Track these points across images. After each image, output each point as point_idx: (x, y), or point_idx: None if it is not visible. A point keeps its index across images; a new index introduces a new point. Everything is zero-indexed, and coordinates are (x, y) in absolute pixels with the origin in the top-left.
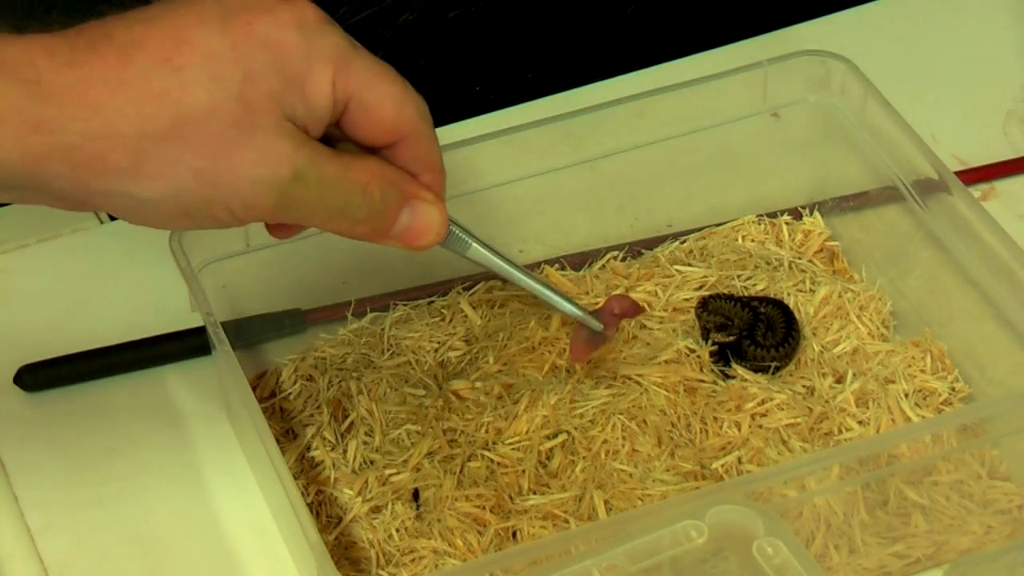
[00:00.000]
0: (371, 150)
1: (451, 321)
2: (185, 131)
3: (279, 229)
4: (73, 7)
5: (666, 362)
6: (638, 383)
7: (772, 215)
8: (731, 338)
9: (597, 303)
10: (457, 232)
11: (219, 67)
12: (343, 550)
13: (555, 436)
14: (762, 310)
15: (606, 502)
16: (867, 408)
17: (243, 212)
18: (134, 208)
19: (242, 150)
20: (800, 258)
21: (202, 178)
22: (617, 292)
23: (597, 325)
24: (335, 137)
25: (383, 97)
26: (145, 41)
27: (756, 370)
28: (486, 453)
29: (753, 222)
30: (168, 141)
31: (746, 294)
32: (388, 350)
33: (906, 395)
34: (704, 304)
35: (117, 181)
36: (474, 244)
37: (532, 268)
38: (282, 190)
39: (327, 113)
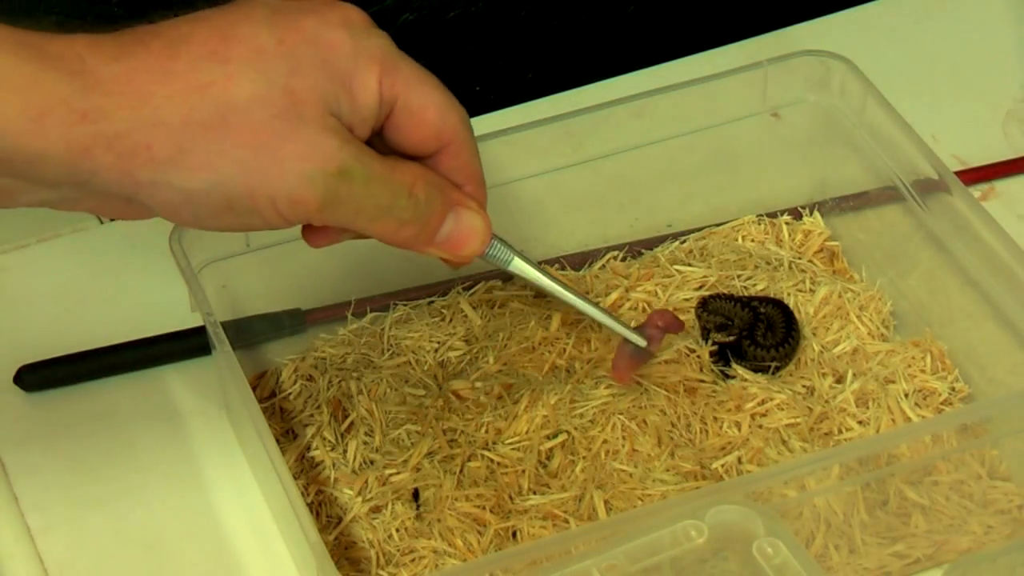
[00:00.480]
0: (414, 160)
1: (451, 321)
2: (230, 120)
3: (318, 236)
4: (73, 9)
5: (666, 362)
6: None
7: (772, 215)
8: (731, 338)
9: (597, 303)
10: (499, 245)
11: (265, 60)
12: (343, 550)
13: (555, 436)
14: (762, 310)
15: (606, 502)
16: (867, 408)
17: (288, 208)
18: (179, 201)
19: (288, 143)
20: (800, 258)
21: (247, 169)
22: (617, 292)
23: (642, 341)
24: (377, 149)
25: (427, 103)
26: (192, 37)
27: (756, 370)
28: (486, 453)
29: (753, 222)
30: (213, 131)
31: (746, 294)
32: (388, 350)
33: (906, 395)
34: (704, 304)
35: (162, 171)
36: (516, 258)
37: None
38: (328, 186)
39: (372, 113)
